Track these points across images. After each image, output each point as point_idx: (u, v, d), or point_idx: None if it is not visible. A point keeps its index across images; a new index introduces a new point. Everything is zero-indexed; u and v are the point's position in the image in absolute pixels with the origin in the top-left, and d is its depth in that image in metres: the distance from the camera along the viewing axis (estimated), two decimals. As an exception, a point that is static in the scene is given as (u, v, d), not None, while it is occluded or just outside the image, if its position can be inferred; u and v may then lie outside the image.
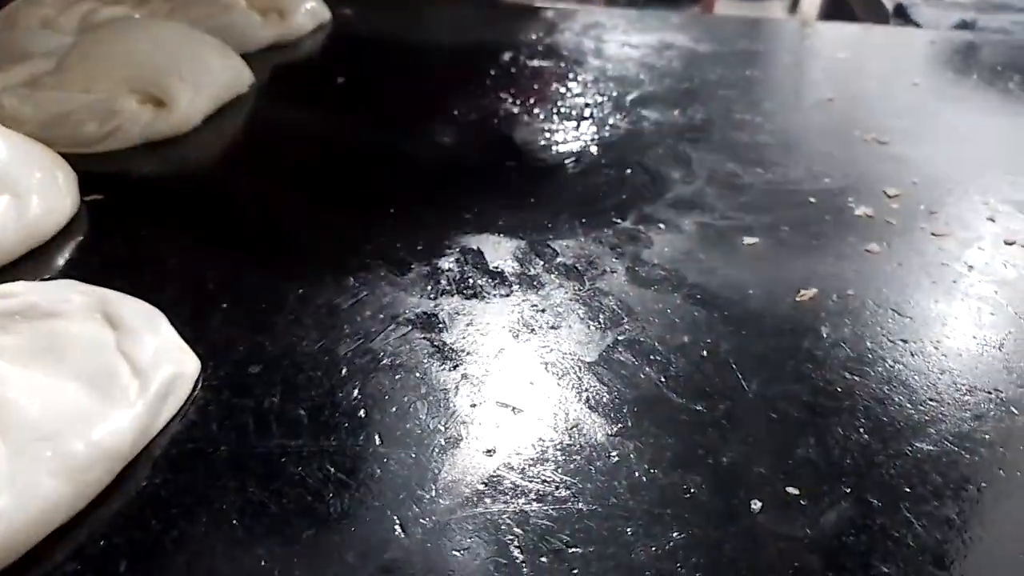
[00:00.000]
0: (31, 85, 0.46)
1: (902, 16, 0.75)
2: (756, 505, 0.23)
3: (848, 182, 0.42)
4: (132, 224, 0.37)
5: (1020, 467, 0.25)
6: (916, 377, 0.28)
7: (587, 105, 0.51)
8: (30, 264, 0.35)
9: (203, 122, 0.47)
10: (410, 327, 0.30)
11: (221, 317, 0.31)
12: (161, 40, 0.48)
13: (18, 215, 0.35)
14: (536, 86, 0.54)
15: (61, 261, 0.35)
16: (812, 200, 0.40)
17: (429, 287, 0.33)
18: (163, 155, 0.44)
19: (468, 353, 0.29)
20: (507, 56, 0.59)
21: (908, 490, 0.24)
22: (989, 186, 0.42)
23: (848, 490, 0.24)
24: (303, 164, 0.44)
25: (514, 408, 0.27)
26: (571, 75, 0.56)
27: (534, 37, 0.64)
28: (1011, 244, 0.37)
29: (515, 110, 0.50)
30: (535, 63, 0.58)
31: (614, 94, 0.53)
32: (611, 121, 0.49)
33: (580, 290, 0.33)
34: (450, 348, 0.29)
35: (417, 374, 0.28)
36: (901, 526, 0.23)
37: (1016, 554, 0.22)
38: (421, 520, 0.23)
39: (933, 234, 0.37)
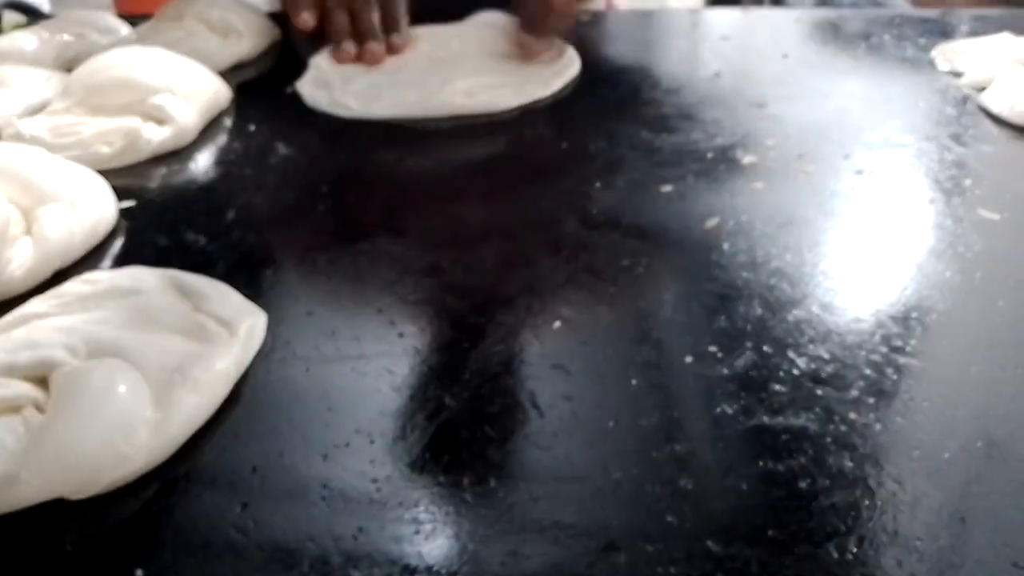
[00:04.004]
0: (43, 115, 0.53)
1: (774, -2, 0.87)
2: (688, 359, 0.34)
3: (736, 139, 0.53)
4: (167, 221, 0.45)
5: (862, 320, 0.36)
6: (793, 270, 0.39)
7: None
8: (92, 261, 0.42)
9: (199, 135, 0.55)
10: (420, 273, 0.40)
11: (268, 282, 0.40)
12: (151, 65, 0.55)
13: (78, 220, 0.42)
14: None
15: (118, 255, 0.43)
16: (709, 155, 0.51)
17: (427, 243, 0.42)
18: (171, 166, 0.52)
19: (468, 287, 0.39)
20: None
21: (791, 341, 0.35)
22: (844, 132, 0.54)
23: (750, 344, 0.34)
24: (291, 160, 0.52)
25: (509, 320, 0.36)
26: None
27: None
28: (860, 173, 0.48)
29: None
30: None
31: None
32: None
33: (544, 236, 0.43)
34: (454, 284, 0.39)
35: (435, 304, 0.37)
36: (787, 362, 0.33)
37: (862, 368, 0.33)
38: (462, 391, 0.32)
39: (803, 171, 0.49)
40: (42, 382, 0.31)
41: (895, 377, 0.32)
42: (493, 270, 0.40)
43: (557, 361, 0.34)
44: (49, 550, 0.26)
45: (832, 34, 0.74)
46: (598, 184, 0.48)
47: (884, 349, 0.34)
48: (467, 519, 0.27)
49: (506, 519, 0.27)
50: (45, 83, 0.60)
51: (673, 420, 0.31)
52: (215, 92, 0.59)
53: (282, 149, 0.53)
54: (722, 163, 0.50)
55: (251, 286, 0.39)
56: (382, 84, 0.61)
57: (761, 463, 0.29)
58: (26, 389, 0.30)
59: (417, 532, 0.27)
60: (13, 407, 0.30)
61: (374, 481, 0.28)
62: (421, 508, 0.27)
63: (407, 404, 0.32)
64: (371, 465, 0.29)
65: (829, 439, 0.30)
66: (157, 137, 0.52)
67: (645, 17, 0.83)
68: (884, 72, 0.65)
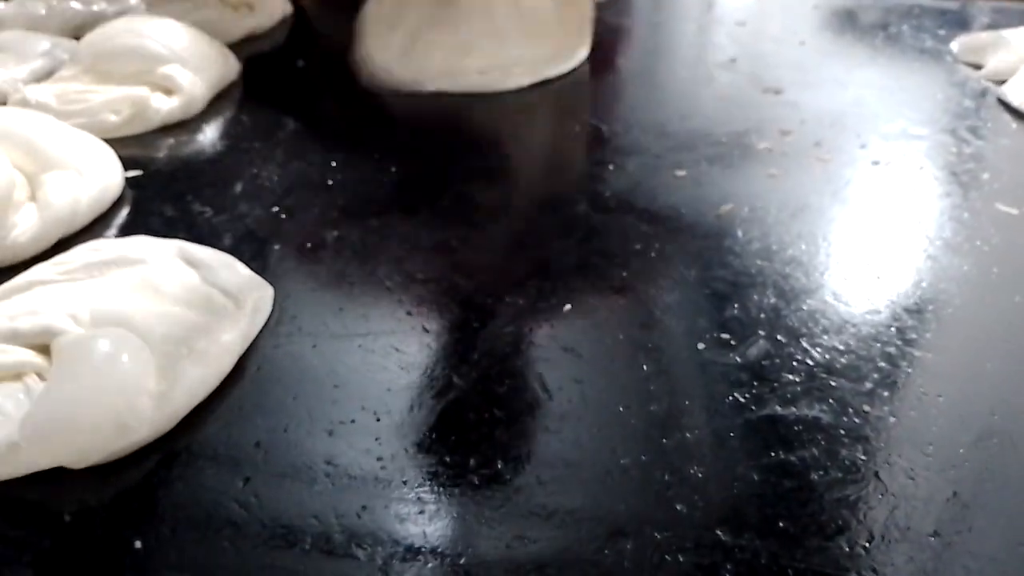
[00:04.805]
0: (50, 82, 0.52)
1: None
2: (701, 345, 0.33)
3: (751, 125, 0.52)
4: (173, 192, 0.45)
5: (878, 311, 0.35)
6: (808, 259, 0.39)
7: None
8: (97, 230, 0.42)
9: (207, 107, 0.54)
10: (429, 251, 0.39)
11: (275, 256, 0.39)
12: (161, 34, 0.55)
13: (84, 188, 0.42)
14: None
15: (123, 225, 0.42)
16: (724, 140, 0.50)
17: (437, 221, 0.41)
18: (178, 137, 0.51)
19: (478, 267, 0.38)
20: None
21: (804, 331, 0.34)
22: (861, 122, 0.53)
23: (763, 333, 0.34)
24: (300, 134, 0.52)
25: (519, 301, 0.36)
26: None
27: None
28: (877, 164, 0.48)
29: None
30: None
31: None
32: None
33: (555, 218, 0.42)
34: (463, 263, 0.38)
35: (444, 283, 0.37)
36: (801, 352, 0.33)
37: (876, 360, 0.33)
38: (470, 371, 0.32)
39: (818, 159, 0.48)
40: (45, 349, 0.30)
41: (910, 370, 0.32)
42: (503, 250, 0.39)
43: (567, 344, 0.33)
44: (47, 519, 0.26)
45: (849, 23, 0.73)
46: (611, 167, 0.47)
47: (899, 342, 0.33)
48: (472, 501, 0.27)
49: (512, 502, 0.27)
50: (52, 49, 0.60)
51: (684, 407, 0.30)
52: (225, 64, 0.58)
53: (291, 123, 0.53)
54: (736, 149, 0.49)
55: (257, 260, 0.38)
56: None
57: (773, 453, 0.28)
58: (28, 356, 0.30)
59: (421, 512, 0.26)
60: (15, 374, 0.29)
61: (379, 459, 0.28)
62: (426, 488, 0.27)
63: (414, 383, 0.31)
64: (376, 443, 0.29)
65: (842, 431, 0.29)
66: (165, 107, 0.52)
67: (659, 1, 0.82)
68: (902, 62, 0.64)
